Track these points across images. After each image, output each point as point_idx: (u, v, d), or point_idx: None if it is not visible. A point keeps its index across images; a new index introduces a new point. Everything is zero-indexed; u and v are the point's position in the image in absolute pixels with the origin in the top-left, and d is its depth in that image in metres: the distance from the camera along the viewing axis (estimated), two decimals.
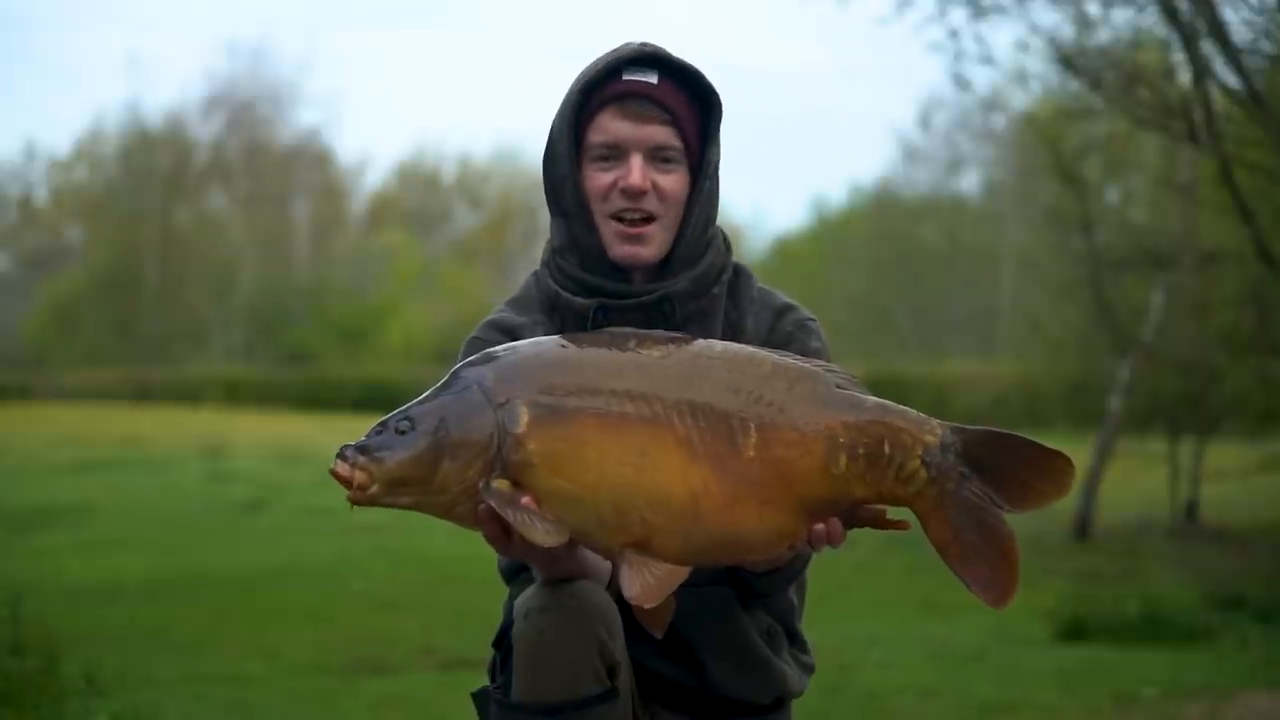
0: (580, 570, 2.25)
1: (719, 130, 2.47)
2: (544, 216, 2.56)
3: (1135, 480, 12.54)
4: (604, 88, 2.43)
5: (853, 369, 2.24)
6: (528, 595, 2.26)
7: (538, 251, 2.59)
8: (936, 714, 5.58)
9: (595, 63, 2.45)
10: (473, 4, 69.79)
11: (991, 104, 21.55)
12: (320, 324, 37.42)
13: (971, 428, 2.14)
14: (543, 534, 2.06)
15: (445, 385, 2.15)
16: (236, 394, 33.19)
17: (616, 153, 2.42)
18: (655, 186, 2.42)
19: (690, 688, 2.48)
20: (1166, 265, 11.88)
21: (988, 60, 9.98)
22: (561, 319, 2.48)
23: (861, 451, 2.11)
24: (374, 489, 2.09)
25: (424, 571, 9.24)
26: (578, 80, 2.44)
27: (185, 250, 39.42)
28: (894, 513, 2.17)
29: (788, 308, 2.54)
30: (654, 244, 2.44)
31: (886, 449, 2.11)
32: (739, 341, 2.40)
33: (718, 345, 2.21)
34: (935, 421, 2.14)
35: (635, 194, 2.41)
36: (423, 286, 39.36)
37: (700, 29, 61.09)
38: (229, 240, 40.64)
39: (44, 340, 38.51)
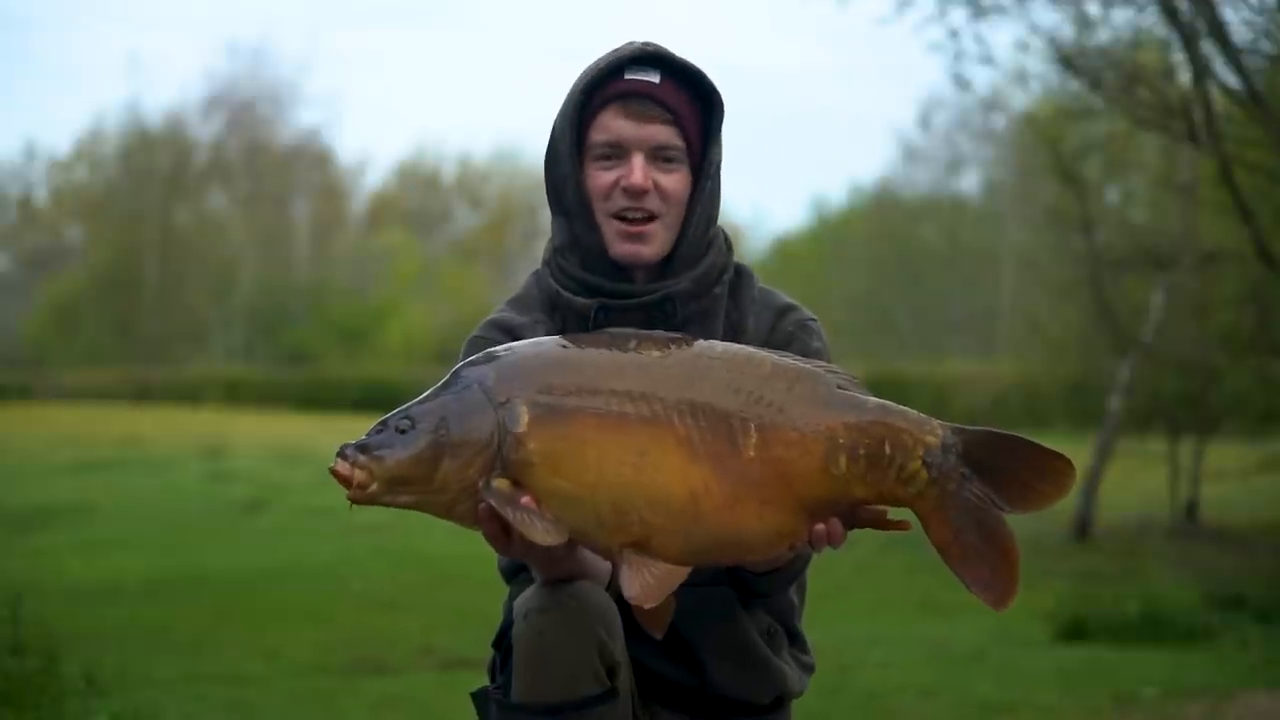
0: (580, 570, 2.25)
1: (721, 130, 2.47)
2: (544, 216, 2.56)
3: (1135, 480, 12.54)
4: (606, 87, 2.43)
5: (853, 369, 2.24)
6: (527, 596, 2.26)
7: (538, 251, 2.59)
8: (936, 714, 5.58)
9: (597, 62, 2.45)
10: (473, 4, 69.86)
11: (991, 104, 21.58)
12: (320, 324, 37.42)
13: (972, 429, 2.14)
14: (542, 533, 2.06)
15: (446, 385, 2.15)
16: (236, 394, 33.20)
17: (618, 152, 2.42)
18: (657, 186, 2.42)
19: (690, 687, 2.48)
20: (1166, 265, 11.88)
21: (988, 60, 9.99)
22: (563, 318, 2.48)
23: (862, 452, 2.11)
24: (374, 488, 2.08)
25: (424, 571, 9.24)
26: (580, 79, 2.44)
27: (185, 250, 39.42)
28: (894, 513, 2.17)
29: (789, 308, 2.54)
30: (655, 243, 2.44)
31: (887, 450, 2.11)
32: (740, 341, 2.40)
33: (718, 346, 2.21)
34: (936, 422, 2.14)
35: (637, 193, 2.41)
36: (423, 286, 39.37)
37: (700, 29, 61.15)
38: (229, 240, 40.65)
39: (44, 340, 38.52)
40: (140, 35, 66.25)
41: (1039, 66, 11.50)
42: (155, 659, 6.34)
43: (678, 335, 2.22)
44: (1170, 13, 7.75)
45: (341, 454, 2.09)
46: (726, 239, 2.54)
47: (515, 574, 2.46)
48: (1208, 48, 7.67)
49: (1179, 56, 8.95)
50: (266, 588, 8.51)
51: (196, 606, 7.88)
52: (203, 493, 14.01)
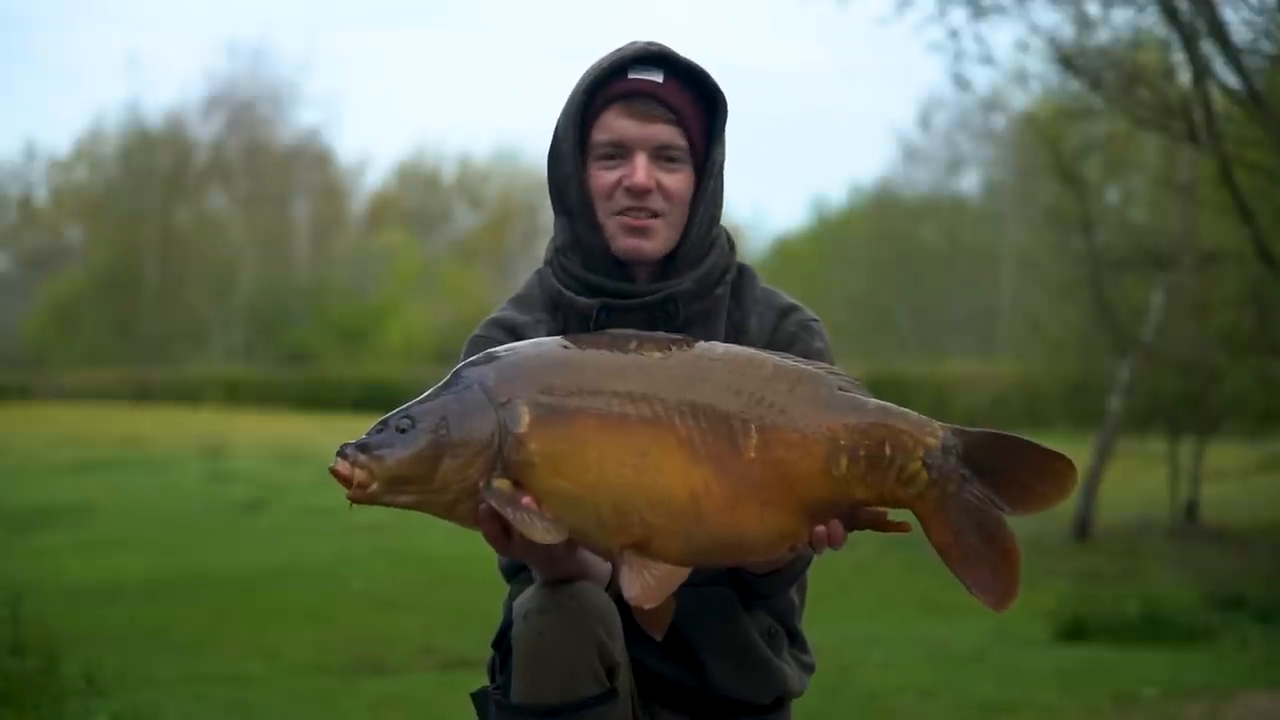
0: (580, 571, 2.25)
1: (724, 130, 2.46)
2: (544, 216, 2.57)
3: (1135, 480, 12.54)
4: (609, 86, 2.42)
5: (853, 369, 2.25)
6: (527, 596, 2.26)
7: (538, 251, 2.60)
8: (936, 714, 5.58)
9: (600, 61, 2.44)
10: (473, 4, 69.86)
11: (991, 104, 21.56)
12: (320, 324, 37.42)
13: (973, 430, 2.14)
14: (542, 533, 2.06)
15: (447, 384, 2.15)
16: (236, 394, 33.19)
17: (621, 151, 2.42)
18: (660, 185, 2.41)
19: (690, 688, 2.48)
20: (1166, 265, 11.88)
21: (988, 60, 9.98)
22: (565, 318, 2.47)
23: (862, 453, 2.11)
24: (374, 487, 2.08)
25: (424, 571, 9.23)
26: (583, 79, 2.44)
27: (185, 250, 39.42)
28: (895, 515, 2.17)
29: (791, 308, 2.54)
30: (658, 239, 2.43)
31: (887, 451, 2.11)
32: (742, 341, 2.40)
33: (719, 347, 2.20)
34: (937, 424, 2.14)
35: (640, 192, 2.40)
36: (423, 286, 39.36)
37: (701, 29, 61.15)
38: (229, 240, 40.64)
39: (44, 340, 38.51)
40: (140, 35, 66.33)
41: (1039, 66, 11.51)
42: (155, 659, 6.34)
43: (679, 336, 2.22)
44: (1170, 13, 7.75)
45: (342, 453, 2.09)
46: (729, 239, 2.54)
47: (515, 573, 2.45)
48: (1208, 48, 7.67)
49: (1179, 56, 8.95)
50: (266, 588, 8.51)
51: (196, 606, 7.88)
52: (203, 493, 14.01)
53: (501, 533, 2.11)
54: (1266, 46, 7.76)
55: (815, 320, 2.54)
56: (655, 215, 2.42)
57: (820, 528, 2.12)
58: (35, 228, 43.46)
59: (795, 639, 2.59)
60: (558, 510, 2.08)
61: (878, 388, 2.24)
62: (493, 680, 2.40)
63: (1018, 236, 26.87)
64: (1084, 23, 9.79)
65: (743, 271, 2.56)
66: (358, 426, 2.28)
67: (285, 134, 42.08)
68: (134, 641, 6.75)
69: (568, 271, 2.48)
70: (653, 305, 2.42)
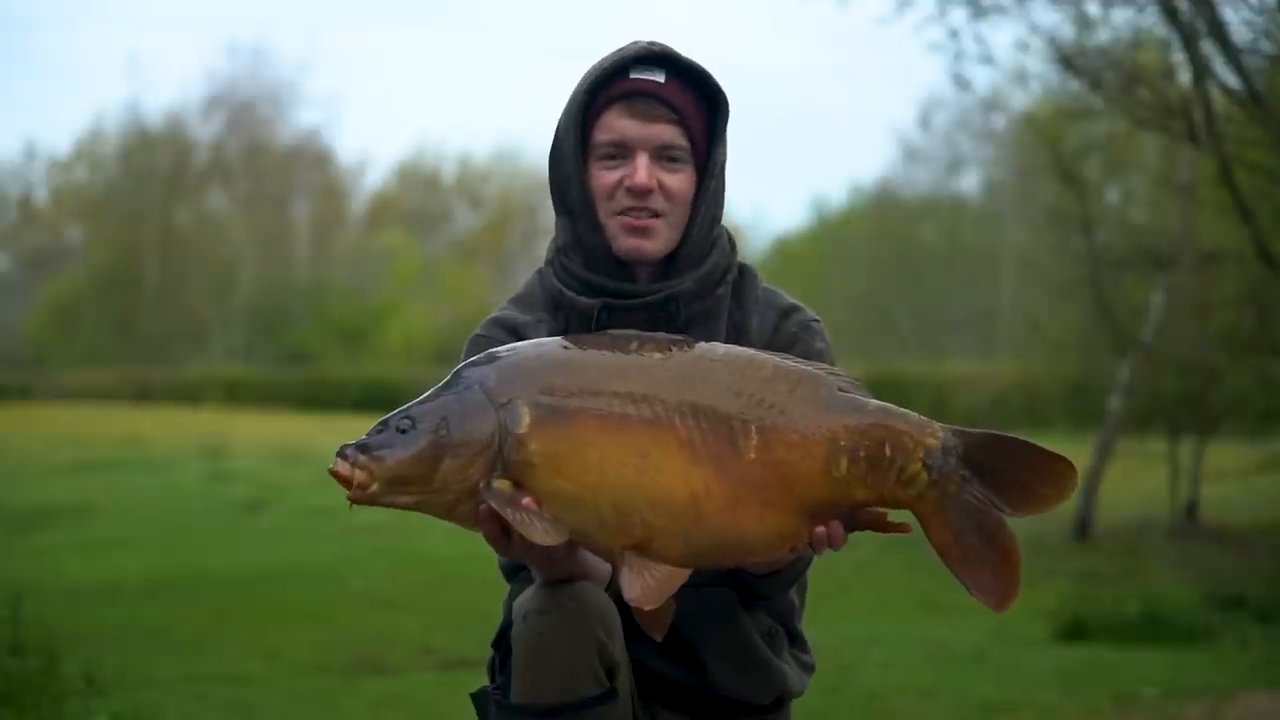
0: (580, 571, 2.25)
1: (725, 130, 2.46)
2: (544, 216, 2.57)
3: (1135, 480, 12.54)
4: (611, 86, 2.42)
5: (853, 369, 2.25)
6: (527, 597, 2.26)
7: (538, 251, 2.60)
8: (936, 714, 5.58)
9: (602, 61, 2.44)
10: (473, 4, 69.83)
11: (991, 104, 21.56)
12: (320, 324, 37.41)
13: (973, 431, 2.14)
14: (542, 534, 2.06)
15: (447, 385, 2.15)
16: (236, 394, 33.19)
17: (623, 151, 2.41)
18: (661, 186, 2.41)
19: (691, 688, 2.48)
20: (1166, 265, 11.88)
21: (988, 60, 9.98)
22: (566, 318, 2.47)
23: (863, 454, 2.11)
24: (374, 488, 2.08)
25: (424, 571, 9.23)
26: (584, 78, 2.43)
27: (185, 250, 39.42)
28: (895, 515, 2.17)
29: (793, 308, 2.54)
30: (659, 238, 2.43)
31: (888, 452, 2.11)
32: (743, 342, 2.40)
33: (719, 348, 2.21)
34: (937, 425, 2.14)
35: (641, 192, 2.40)
36: (423, 286, 39.36)
37: (701, 29, 61.11)
38: (229, 240, 40.63)
39: (44, 340, 38.51)
40: (140, 35, 66.27)
41: (1039, 66, 11.51)
42: (155, 659, 6.34)
43: (679, 337, 2.22)
44: (1170, 13, 7.75)
45: (341, 454, 2.09)
46: (730, 239, 2.54)
47: (515, 573, 2.45)
48: (1208, 48, 7.67)
49: (1179, 56, 8.95)
50: (266, 588, 8.51)
51: (196, 606, 7.88)
52: (203, 493, 14.01)
53: (501, 533, 2.11)
54: (1266, 46, 7.76)
55: (816, 321, 2.54)
56: (656, 215, 2.42)
57: (820, 528, 2.12)
58: (35, 228, 43.45)
59: (795, 639, 2.59)
60: (558, 511, 2.08)
61: (878, 388, 2.24)
62: (493, 680, 2.40)
63: (1018, 236, 26.87)
64: (1084, 23, 9.80)
65: (744, 272, 2.55)
66: (358, 427, 2.28)
67: (285, 134, 42.14)
68: (134, 641, 6.75)
69: (569, 271, 2.48)
70: (654, 305, 2.42)
